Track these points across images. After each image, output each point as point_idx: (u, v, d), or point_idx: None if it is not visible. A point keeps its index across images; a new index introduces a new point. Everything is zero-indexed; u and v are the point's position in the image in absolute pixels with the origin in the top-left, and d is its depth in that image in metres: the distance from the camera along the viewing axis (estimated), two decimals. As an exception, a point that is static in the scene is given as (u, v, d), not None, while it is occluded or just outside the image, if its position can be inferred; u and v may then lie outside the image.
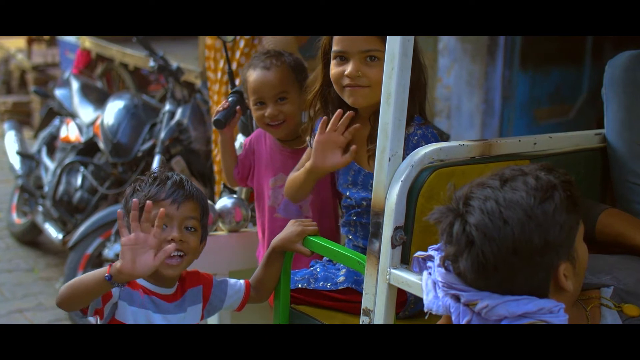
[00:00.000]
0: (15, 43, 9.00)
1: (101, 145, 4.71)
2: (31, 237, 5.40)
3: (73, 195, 4.75)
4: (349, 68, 2.21)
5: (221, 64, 3.48)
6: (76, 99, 5.18)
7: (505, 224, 1.51)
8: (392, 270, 1.89)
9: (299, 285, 2.34)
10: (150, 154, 4.45)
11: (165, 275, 2.04)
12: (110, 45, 6.19)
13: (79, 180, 4.76)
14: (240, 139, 3.07)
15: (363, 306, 1.98)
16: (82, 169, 4.76)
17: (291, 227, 2.27)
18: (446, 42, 4.39)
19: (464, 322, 1.57)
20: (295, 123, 2.65)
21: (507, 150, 2.09)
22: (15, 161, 5.43)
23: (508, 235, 1.51)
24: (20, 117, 7.83)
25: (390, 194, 1.88)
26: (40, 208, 5.01)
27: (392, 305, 1.94)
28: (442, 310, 1.62)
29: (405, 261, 1.91)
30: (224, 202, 2.90)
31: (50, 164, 5.14)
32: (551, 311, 1.53)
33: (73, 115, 5.13)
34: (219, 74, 3.51)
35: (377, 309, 1.94)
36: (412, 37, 1.85)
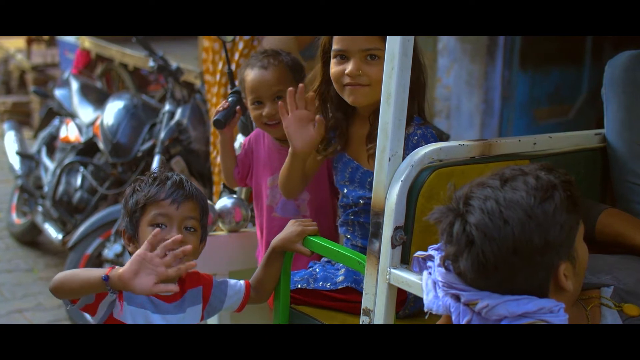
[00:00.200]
0: (15, 43, 9.00)
1: (101, 145, 4.71)
2: (31, 238, 5.40)
3: (73, 196, 4.75)
4: (349, 67, 2.21)
5: (220, 66, 3.48)
6: (76, 99, 5.17)
7: (505, 223, 1.51)
8: (392, 270, 1.89)
9: (299, 286, 2.34)
10: (150, 154, 4.45)
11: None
12: (109, 45, 6.18)
13: (78, 181, 4.75)
14: (240, 139, 3.06)
15: (363, 306, 1.98)
16: (81, 169, 4.75)
17: (291, 227, 2.26)
18: (446, 42, 4.39)
19: (464, 321, 1.57)
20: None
21: (507, 150, 2.09)
22: (15, 161, 5.42)
23: (508, 235, 1.51)
24: (20, 117, 7.83)
25: (390, 194, 1.88)
26: (39, 208, 5.00)
27: (392, 305, 1.94)
28: (442, 310, 1.62)
29: (405, 261, 1.91)
30: (223, 202, 2.89)
31: (50, 164, 5.13)
32: (551, 311, 1.53)
33: (73, 116, 5.12)
34: (218, 76, 3.51)
35: (377, 308, 1.94)
36: (412, 37, 1.85)
